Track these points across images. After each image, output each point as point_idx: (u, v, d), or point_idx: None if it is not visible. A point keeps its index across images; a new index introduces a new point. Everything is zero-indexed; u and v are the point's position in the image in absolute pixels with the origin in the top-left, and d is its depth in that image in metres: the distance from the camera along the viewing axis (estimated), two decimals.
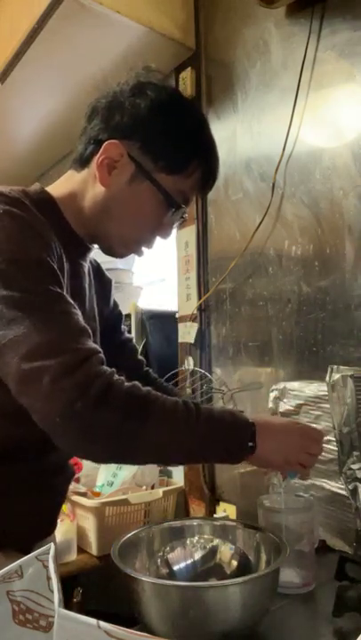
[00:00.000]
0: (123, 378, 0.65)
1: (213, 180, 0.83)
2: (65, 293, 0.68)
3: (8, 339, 0.61)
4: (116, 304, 1.03)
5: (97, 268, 0.96)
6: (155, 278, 2.28)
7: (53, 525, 0.86)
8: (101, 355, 0.66)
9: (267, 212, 1.30)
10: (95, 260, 0.96)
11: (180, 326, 1.59)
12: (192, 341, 1.52)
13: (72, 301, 0.68)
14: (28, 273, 0.64)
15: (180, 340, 1.59)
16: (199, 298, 1.53)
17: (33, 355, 0.60)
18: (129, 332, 1.82)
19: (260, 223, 1.32)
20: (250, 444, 0.70)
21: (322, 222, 1.18)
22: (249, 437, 0.70)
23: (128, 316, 1.88)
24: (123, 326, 1.03)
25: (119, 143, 0.75)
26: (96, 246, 0.85)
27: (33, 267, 0.65)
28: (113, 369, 0.65)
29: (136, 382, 0.66)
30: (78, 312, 0.68)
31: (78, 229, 0.80)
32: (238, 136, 1.41)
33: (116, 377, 0.64)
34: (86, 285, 0.86)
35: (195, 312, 1.53)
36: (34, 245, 0.67)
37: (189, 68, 1.58)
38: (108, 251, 0.84)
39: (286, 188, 1.27)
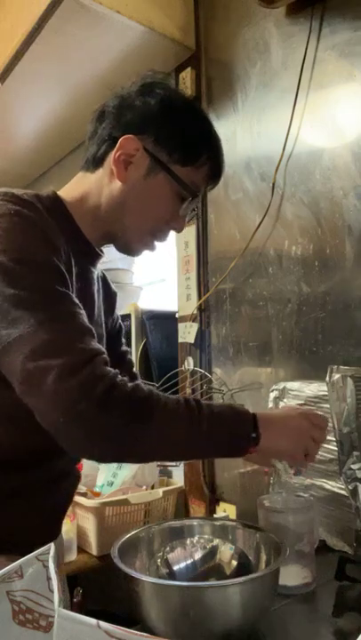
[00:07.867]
0: (126, 379, 0.65)
1: (220, 172, 0.86)
2: (71, 294, 0.68)
3: (13, 337, 0.61)
4: (118, 317, 1.03)
5: (104, 279, 0.97)
6: (155, 278, 2.28)
7: (58, 529, 0.85)
8: (105, 356, 0.65)
9: (267, 212, 1.30)
10: (102, 271, 0.96)
11: (180, 326, 1.59)
12: (192, 341, 1.52)
13: (78, 302, 0.68)
14: (34, 272, 0.64)
15: (180, 340, 1.59)
16: (199, 298, 1.53)
17: (37, 353, 0.60)
18: (129, 331, 1.82)
19: (260, 223, 1.32)
20: (252, 434, 0.70)
21: (322, 222, 1.18)
22: (251, 429, 0.70)
23: (128, 316, 1.88)
24: (122, 339, 1.04)
25: (135, 138, 0.77)
26: (106, 250, 0.86)
27: (40, 267, 0.65)
28: (116, 370, 0.65)
29: (139, 383, 0.66)
30: (84, 312, 0.68)
31: (92, 232, 0.81)
32: (238, 136, 1.41)
33: (120, 378, 0.64)
34: (95, 292, 0.86)
35: (195, 312, 1.53)
36: (42, 246, 0.67)
37: (189, 68, 1.58)
38: (125, 247, 0.85)
39: (286, 188, 1.27)
